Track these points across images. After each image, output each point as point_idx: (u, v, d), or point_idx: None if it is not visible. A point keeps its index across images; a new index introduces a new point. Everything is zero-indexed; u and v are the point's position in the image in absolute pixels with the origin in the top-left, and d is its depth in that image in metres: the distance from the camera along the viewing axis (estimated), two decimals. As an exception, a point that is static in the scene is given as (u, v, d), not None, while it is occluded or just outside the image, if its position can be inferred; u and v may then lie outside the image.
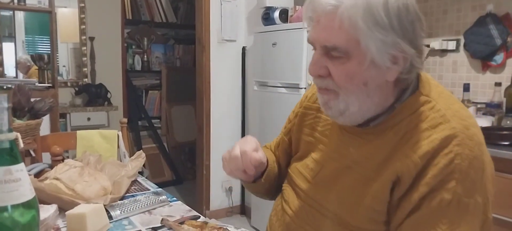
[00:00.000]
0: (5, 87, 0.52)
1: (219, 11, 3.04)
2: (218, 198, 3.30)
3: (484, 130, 1.81)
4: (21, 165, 0.57)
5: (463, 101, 2.19)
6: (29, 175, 1.18)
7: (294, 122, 1.02)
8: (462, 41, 2.29)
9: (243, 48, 3.17)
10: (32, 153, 1.67)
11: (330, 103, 0.78)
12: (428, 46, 2.45)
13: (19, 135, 0.56)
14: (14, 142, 0.57)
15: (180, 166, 4.32)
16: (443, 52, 2.40)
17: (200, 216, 1.07)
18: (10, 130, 0.56)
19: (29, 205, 0.58)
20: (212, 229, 0.90)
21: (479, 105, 2.14)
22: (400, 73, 0.75)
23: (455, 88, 2.34)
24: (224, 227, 0.94)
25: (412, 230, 0.72)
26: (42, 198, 1.09)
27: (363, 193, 0.78)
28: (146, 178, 4.24)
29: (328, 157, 0.88)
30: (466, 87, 2.21)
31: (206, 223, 0.97)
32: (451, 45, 2.33)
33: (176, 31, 4.48)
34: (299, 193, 0.90)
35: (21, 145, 0.56)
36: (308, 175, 0.90)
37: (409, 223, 0.72)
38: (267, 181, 0.97)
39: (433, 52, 2.45)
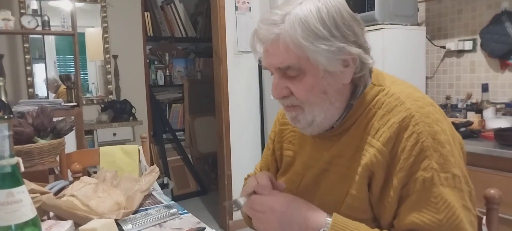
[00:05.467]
0: (6, 117, 0.57)
1: (234, 23, 3.10)
2: (240, 207, 3.33)
3: (504, 131, 1.77)
4: (23, 187, 0.63)
5: (482, 102, 2.14)
6: (49, 192, 1.26)
7: (274, 140, 1.06)
8: (479, 41, 2.25)
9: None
10: (55, 170, 1.76)
11: (299, 117, 0.83)
12: (444, 47, 2.41)
13: (20, 159, 0.62)
14: (16, 166, 0.63)
15: (204, 177, 4.40)
16: (460, 52, 2.36)
17: (205, 228, 1.11)
18: (12, 155, 0.62)
19: (31, 224, 0.63)
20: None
21: (498, 106, 2.09)
22: (354, 73, 0.80)
23: (474, 89, 2.29)
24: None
25: (414, 217, 0.72)
26: (59, 214, 1.16)
27: (342, 191, 0.81)
28: (171, 190, 4.27)
29: (307, 165, 0.92)
30: (485, 88, 2.16)
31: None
32: (468, 45, 2.29)
33: (196, 45, 4.59)
34: None
35: (22, 168, 0.62)
36: (292, 187, 0.93)
37: (406, 211, 0.74)
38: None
39: (450, 53, 2.41)
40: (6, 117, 0.61)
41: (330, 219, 0.76)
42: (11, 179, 0.62)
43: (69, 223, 1.08)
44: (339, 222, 0.75)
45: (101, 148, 2.12)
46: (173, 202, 1.38)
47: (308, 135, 0.92)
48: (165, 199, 1.43)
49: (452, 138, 0.78)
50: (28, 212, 0.63)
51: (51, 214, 1.20)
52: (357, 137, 0.81)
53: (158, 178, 1.48)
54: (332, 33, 0.75)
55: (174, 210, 1.26)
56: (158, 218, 1.21)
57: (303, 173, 0.92)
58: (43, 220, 1.12)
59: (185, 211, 1.29)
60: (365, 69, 0.81)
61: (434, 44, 2.47)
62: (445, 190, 0.72)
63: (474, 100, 2.24)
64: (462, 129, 1.90)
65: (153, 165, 1.53)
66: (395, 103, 0.78)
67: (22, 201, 0.62)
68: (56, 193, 1.33)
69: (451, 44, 2.35)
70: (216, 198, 3.75)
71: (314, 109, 0.81)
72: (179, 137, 4.33)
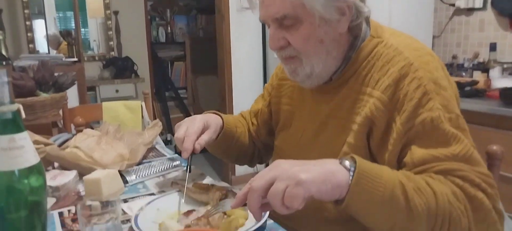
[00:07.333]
0: (4, 63, 0.57)
1: (237, -22, 3.02)
2: (243, 164, 3.37)
3: (509, 90, 1.75)
4: (24, 133, 0.62)
5: (489, 61, 2.11)
6: (53, 144, 1.27)
7: (272, 94, 1.06)
8: (489, -2, 2.19)
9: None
10: (59, 124, 1.77)
11: (297, 70, 0.83)
12: (453, 5, 2.35)
13: (21, 106, 0.61)
14: (17, 113, 0.62)
15: (207, 135, 4.42)
16: (469, 11, 2.30)
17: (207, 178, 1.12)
18: (12, 102, 0.61)
19: (35, 170, 0.64)
20: (216, 191, 0.94)
21: (505, 65, 2.05)
22: (351, 22, 0.79)
23: (481, 49, 2.25)
24: (229, 189, 0.98)
25: (424, 154, 0.71)
26: (63, 164, 1.18)
27: (340, 142, 0.81)
28: (174, 146, 4.31)
29: (307, 119, 0.92)
30: (493, 47, 2.12)
31: (212, 185, 1.01)
32: (478, 3, 2.23)
33: (198, 1, 4.49)
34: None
35: (23, 115, 0.61)
36: (293, 141, 0.94)
37: (418, 148, 0.72)
38: (222, 141, 1.03)
39: (459, 11, 2.35)
40: (4, 63, 0.59)
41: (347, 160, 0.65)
42: (12, 125, 0.61)
43: (73, 173, 1.09)
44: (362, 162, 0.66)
45: (104, 103, 2.11)
46: (176, 155, 1.39)
47: (307, 90, 0.92)
48: (169, 152, 1.43)
49: (451, 84, 0.78)
50: (31, 158, 0.63)
51: (56, 164, 1.22)
52: (355, 89, 0.81)
53: (161, 134, 1.49)
54: None
55: (177, 162, 1.27)
56: (161, 169, 1.22)
57: (303, 127, 0.92)
58: (47, 170, 1.13)
59: (188, 164, 1.30)
60: (361, 18, 0.81)
61: (443, 2, 2.40)
62: (451, 129, 0.72)
63: (481, 60, 2.20)
64: (467, 88, 1.88)
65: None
66: (394, 53, 0.78)
67: (24, 147, 0.62)
68: (60, 145, 1.34)
69: (461, 2, 2.28)
70: (219, 156, 3.78)
71: (312, 59, 0.80)
72: (181, 95, 4.33)
